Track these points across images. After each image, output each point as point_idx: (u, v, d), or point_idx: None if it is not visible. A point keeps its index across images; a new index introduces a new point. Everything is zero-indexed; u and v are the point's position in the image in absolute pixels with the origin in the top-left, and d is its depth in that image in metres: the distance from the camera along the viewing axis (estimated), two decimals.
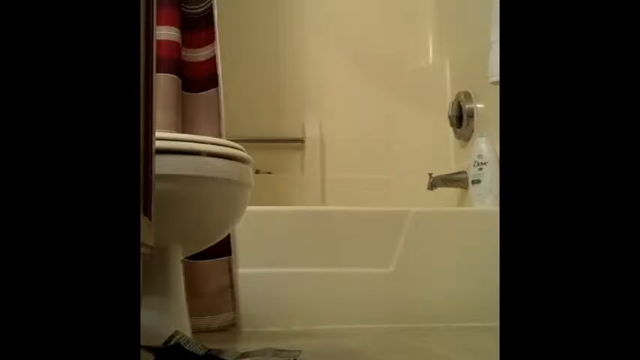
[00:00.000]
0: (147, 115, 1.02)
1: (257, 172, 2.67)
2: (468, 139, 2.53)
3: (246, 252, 1.98)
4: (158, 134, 1.29)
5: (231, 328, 1.95)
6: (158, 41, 1.85)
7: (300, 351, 1.40)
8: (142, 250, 0.97)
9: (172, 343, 1.30)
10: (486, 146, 2.26)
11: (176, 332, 1.34)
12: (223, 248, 1.92)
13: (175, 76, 1.89)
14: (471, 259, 2.07)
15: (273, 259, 2.01)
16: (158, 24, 1.87)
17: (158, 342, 1.31)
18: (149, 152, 1.06)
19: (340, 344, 1.70)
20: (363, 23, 2.95)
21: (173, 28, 1.90)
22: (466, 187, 2.40)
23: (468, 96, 2.54)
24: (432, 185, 2.51)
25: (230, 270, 1.95)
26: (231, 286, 1.95)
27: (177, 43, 1.90)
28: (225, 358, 1.30)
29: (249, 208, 1.58)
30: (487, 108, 2.43)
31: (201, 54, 1.96)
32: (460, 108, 2.55)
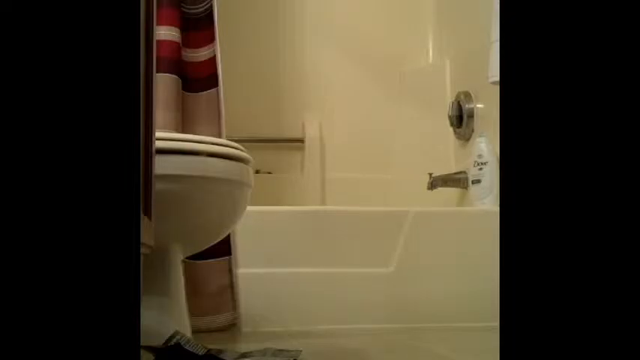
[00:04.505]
0: (147, 115, 1.02)
1: (257, 172, 2.67)
2: (468, 139, 2.53)
3: (246, 252, 1.97)
4: (158, 134, 1.29)
5: (231, 328, 1.95)
6: (158, 41, 1.84)
7: (300, 351, 1.40)
8: (142, 250, 0.97)
9: (172, 343, 1.30)
10: (486, 146, 2.26)
11: (176, 332, 1.34)
12: (223, 248, 1.92)
13: (175, 76, 1.89)
14: (471, 259, 2.07)
15: (273, 259, 2.01)
16: (158, 24, 1.87)
17: (158, 342, 1.31)
18: (149, 152, 1.06)
19: (340, 344, 1.70)
20: (363, 23, 2.95)
21: (173, 28, 1.90)
22: (466, 187, 2.39)
23: (468, 96, 2.54)
24: (432, 185, 2.50)
25: (230, 270, 1.95)
26: (231, 286, 1.95)
27: (177, 43, 1.90)
28: (225, 358, 1.30)
29: (249, 208, 1.58)
30: (487, 108, 2.43)
31: (201, 54, 1.96)
32: (460, 108, 2.55)
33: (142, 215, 0.88)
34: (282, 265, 2.01)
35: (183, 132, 1.89)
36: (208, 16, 1.96)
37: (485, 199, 2.23)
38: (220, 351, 1.33)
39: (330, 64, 2.91)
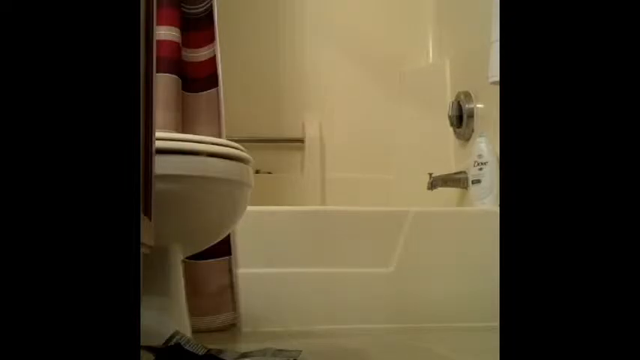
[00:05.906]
0: (147, 115, 1.02)
1: (257, 172, 2.67)
2: (468, 139, 2.53)
3: (246, 252, 1.97)
4: (158, 134, 1.29)
5: (231, 328, 1.95)
6: (158, 41, 1.84)
7: (300, 351, 1.40)
8: (142, 250, 0.97)
9: (172, 343, 1.30)
10: (486, 146, 2.26)
11: (176, 332, 1.34)
12: (223, 248, 1.92)
13: (175, 76, 1.89)
14: (471, 259, 2.07)
15: (273, 259, 2.01)
16: (158, 24, 1.87)
17: (158, 342, 1.31)
18: (149, 152, 1.06)
19: (340, 344, 1.70)
20: (363, 23, 2.95)
21: (173, 28, 1.90)
22: (466, 187, 2.39)
23: (468, 96, 2.54)
24: (432, 185, 2.50)
25: (230, 270, 1.95)
26: (231, 286, 1.95)
27: (177, 43, 1.90)
28: (225, 358, 1.30)
29: (249, 208, 1.58)
30: (487, 108, 2.43)
31: (202, 54, 1.96)
32: (460, 108, 2.55)
33: (142, 215, 0.88)
34: (282, 265, 2.01)
35: (183, 132, 1.89)
36: (208, 16, 1.96)
37: (485, 199, 2.23)
38: (220, 351, 1.33)
39: (330, 64, 2.91)
